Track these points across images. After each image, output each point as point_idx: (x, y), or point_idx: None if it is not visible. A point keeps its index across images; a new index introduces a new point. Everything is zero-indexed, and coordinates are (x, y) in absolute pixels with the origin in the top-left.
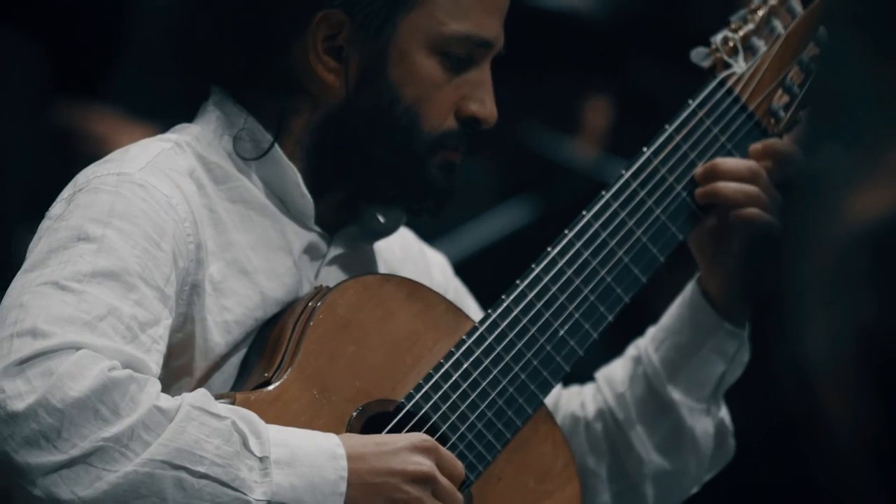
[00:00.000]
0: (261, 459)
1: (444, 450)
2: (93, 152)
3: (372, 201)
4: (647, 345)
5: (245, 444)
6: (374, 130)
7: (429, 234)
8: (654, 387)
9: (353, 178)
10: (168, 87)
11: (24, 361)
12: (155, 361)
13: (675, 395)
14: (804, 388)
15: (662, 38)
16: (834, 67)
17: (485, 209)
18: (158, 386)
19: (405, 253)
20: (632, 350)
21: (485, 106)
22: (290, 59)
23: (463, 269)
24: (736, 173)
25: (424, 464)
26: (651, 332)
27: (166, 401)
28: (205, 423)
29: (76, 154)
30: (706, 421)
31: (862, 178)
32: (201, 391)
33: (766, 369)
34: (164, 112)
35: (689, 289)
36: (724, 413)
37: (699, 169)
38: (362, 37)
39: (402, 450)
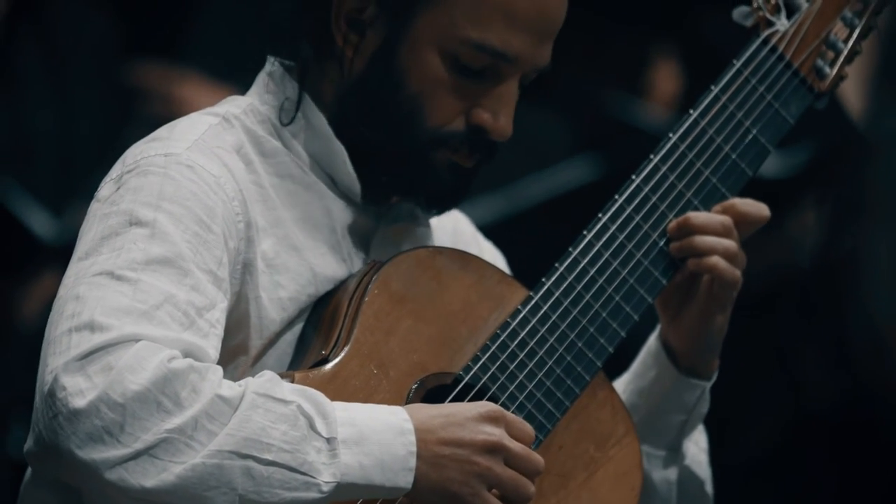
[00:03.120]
0: (328, 441)
1: (511, 416)
2: (171, 113)
3: (377, 189)
4: (619, 384)
5: (312, 427)
6: (378, 110)
7: (488, 186)
8: None
9: (364, 165)
10: (245, 48)
11: (84, 357)
12: (213, 346)
13: None
14: (873, 354)
15: None
16: None
17: (550, 164)
18: (220, 373)
19: (457, 237)
20: None
21: (497, 119)
22: (322, 22)
23: (522, 223)
24: (709, 227)
25: (494, 433)
26: (627, 372)
27: (229, 389)
28: (270, 410)
29: (156, 117)
30: (667, 469)
31: None
32: (267, 375)
33: (843, 338)
34: (242, 74)
35: (652, 339)
36: (694, 461)
37: (672, 223)
38: (384, 19)
39: (470, 420)
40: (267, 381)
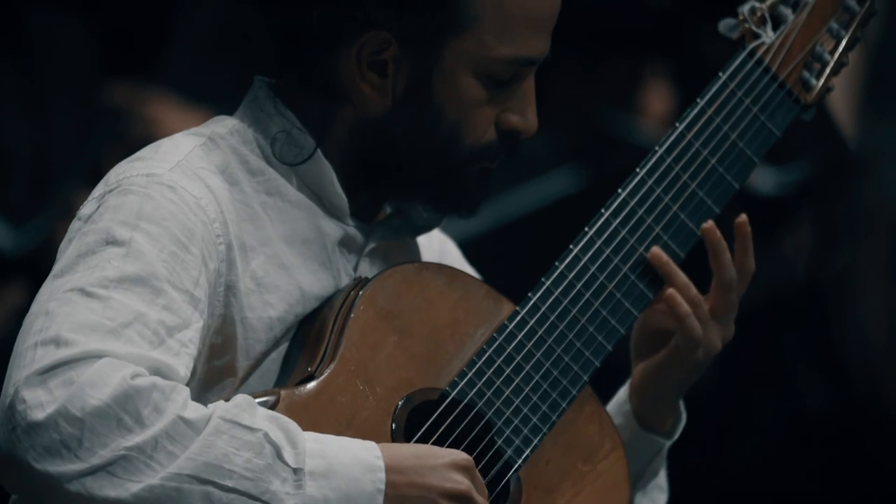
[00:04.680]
0: (294, 471)
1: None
2: (145, 134)
3: (407, 203)
4: None
5: (279, 456)
6: (414, 145)
7: None
8: None
9: (389, 184)
10: (220, 72)
11: (47, 371)
12: (184, 365)
13: None
14: (867, 368)
15: (717, 10)
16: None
17: (535, 176)
18: (185, 393)
19: (443, 257)
20: None
21: (526, 118)
22: (335, 68)
23: (507, 235)
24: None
25: (462, 482)
26: None
27: (193, 411)
28: (235, 437)
29: (129, 136)
30: None
31: None
32: (238, 399)
33: (830, 352)
34: (216, 96)
35: (624, 387)
36: None
37: (667, 292)
38: (409, 57)
39: (441, 466)
40: (236, 406)
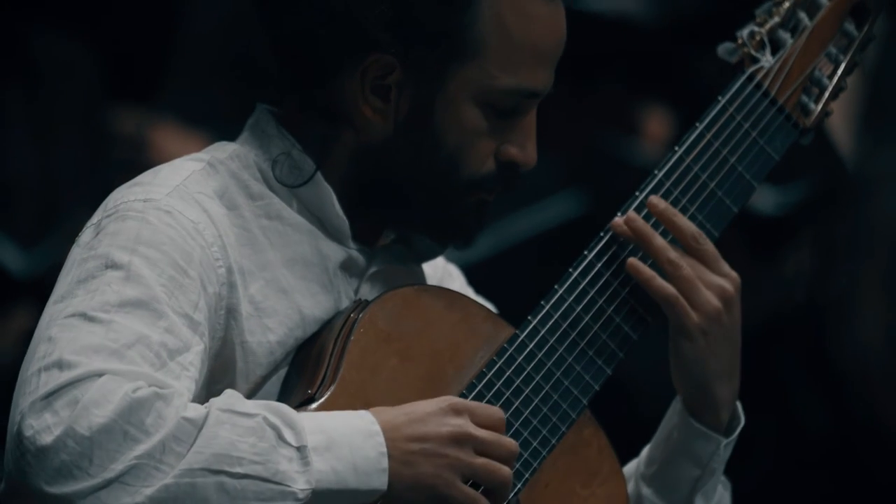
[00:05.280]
0: (298, 449)
1: (475, 403)
2: (146, 157)
3: (404, 230)
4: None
5: (280, 437)
6: (413, 171)
7: None
8: (637, 478)
9: (388, 210)
10: (219, 97)
11: (51, 394)
12: (186, 387)
13: (645, 491)
14: (865, 387)
15: (717, 37)
16: (892, 69)
17: (537, 200)
18: (185, 398)
19: (443, 283)
20: None
21: (525, 152)
22: (339, 92)
23: (509, 259)
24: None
25: (458, 423)
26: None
27: (194, 410)
28: (236, 424)
29: (132, 161)
30: None
31: None
32: (227, 392)
33: (829, 372)
34: (215, 121)
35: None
36: None
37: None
38: (413, 82)
39: (432, 414)
40: (229, 397)
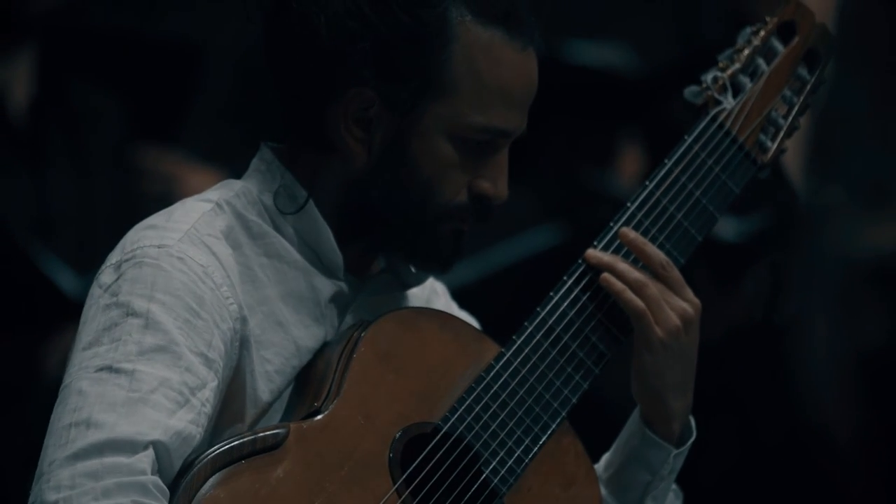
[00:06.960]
0: None
1: None
2: (168, 190)
3: (387, 257)
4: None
5: None
6: (390, 198)
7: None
8: (602, 480)
9: (372, 237)
10: (233, 136)
11: (77, 455)
12: (202, 425)
13: (603, 492)
14: (813, 395)
15: (684, 80)
16: (836, 111)
17: (518, 231)
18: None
19: (430, 305)
20: None
21: (496, 186)
22: (325, 123)
23: (494, 284)
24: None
25: None
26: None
27: None
28: None
29: (156, 192)
30: None
31: (863, 217)
32: None
33: (781, 381)
34: (230, 157)
35: None
36: None
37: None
38: (389, 115)
39: None
40: None
